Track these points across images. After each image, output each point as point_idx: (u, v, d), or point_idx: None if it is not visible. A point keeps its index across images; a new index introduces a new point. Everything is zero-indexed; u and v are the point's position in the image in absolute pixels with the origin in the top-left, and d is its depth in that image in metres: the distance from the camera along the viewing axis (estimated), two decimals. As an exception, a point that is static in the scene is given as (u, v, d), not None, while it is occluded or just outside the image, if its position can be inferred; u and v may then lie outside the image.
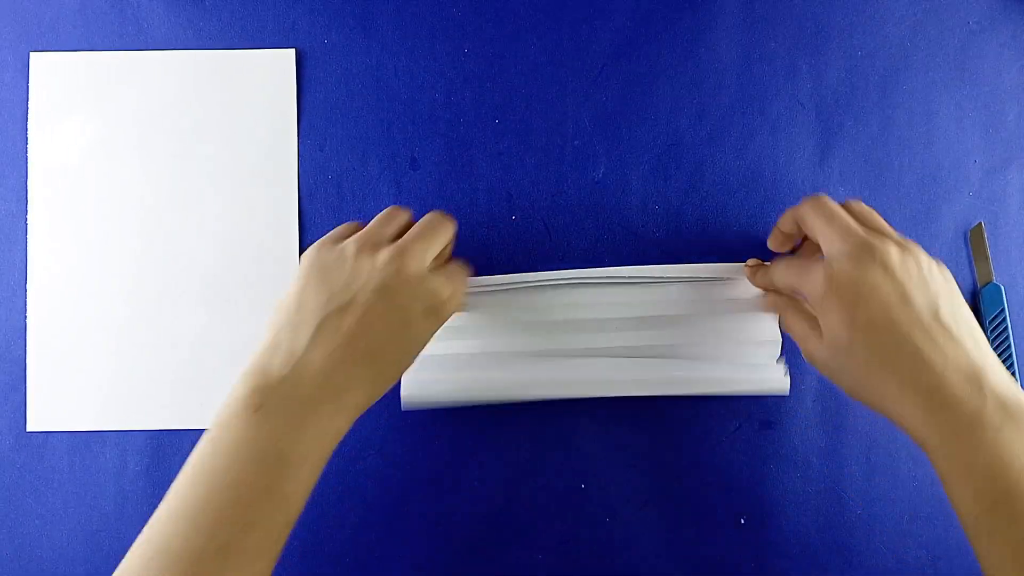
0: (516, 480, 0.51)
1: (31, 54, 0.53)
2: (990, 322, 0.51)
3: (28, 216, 0.52)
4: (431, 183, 0.53)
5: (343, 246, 0.41)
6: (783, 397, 0.51)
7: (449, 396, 0.49)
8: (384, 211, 0.45)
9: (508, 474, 0.51)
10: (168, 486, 0.51)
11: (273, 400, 0.36)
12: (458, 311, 0.43)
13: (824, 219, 0.41)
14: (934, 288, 0.38)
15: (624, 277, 0.49)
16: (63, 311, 0.52)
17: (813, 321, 0.42)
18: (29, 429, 0.51)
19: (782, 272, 0.44)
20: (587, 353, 0.49)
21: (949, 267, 0.52)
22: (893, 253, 0.38)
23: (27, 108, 0.53)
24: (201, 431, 0.51)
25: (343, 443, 0.51)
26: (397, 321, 0.39)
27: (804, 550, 0.50)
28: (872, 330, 0.37)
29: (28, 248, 0.52)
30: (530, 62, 0.53)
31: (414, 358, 0.41)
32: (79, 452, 0.51)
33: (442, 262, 0.45)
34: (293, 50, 0.53)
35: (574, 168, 0.53)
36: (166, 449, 0.51)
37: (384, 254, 0.40)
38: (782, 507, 0.51)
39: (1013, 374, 0.50)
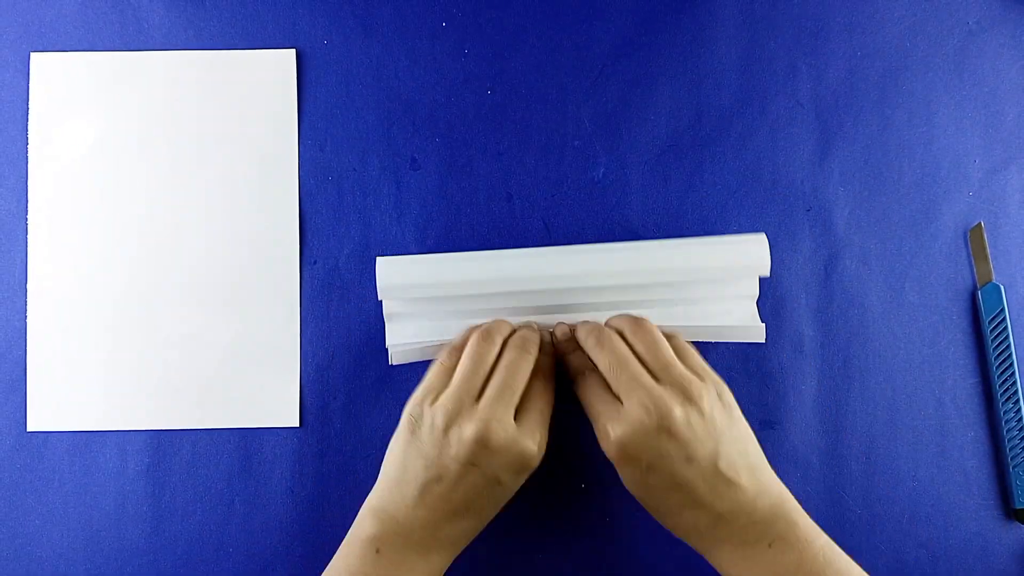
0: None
1: (31, 54, 0.53)
2: (990, 322, 0.51)
3: (28, 216, 0.52)
4: (431, 183, 0.53)
5: (434, 416, 0.43)
6: (783, 395, 0.51)
7: (428, 285, 0.49)
8: (468, 354, 0.45)
9: (508, 474, 0.51)
10: (168, 486, 0.51)
11: (390, 545, 0.42)
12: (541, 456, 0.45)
13: (609, 362, 0.44)
14: (714, 437, 0.42)
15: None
16: (63, 311, 0.52)
17: (609, 402, 0.43)
18: (29, 429, 0.51)
19: (587, 392, 0.45)
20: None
21: (949, 267, 0.52)
22: (677, 414, 0.41)
23: (27, 108, 0.53)
24: (200, 431, 0.52)
25: (343, 442, 0.51)
26: (488, 484, 0.43)
27: (804, 550, 0.50)
28: (660, 491, 0.42)
29: (28, 248, 0.52)
30: (530, 62, 0.53)
31: (508, 499, 0.45)
32: (79, 452, 0.51)
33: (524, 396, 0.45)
34: (293, 50, 0.53)
35: (574, 168, 0.53)
36: (166, 449, 0.51)
37: (468, 430, 0.42)
38: (782, 507, 0.51)
39: (1012, 374, 0.50)
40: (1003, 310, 0.51)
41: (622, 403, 0.42)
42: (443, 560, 0.44)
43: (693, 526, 0.43)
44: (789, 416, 0.51)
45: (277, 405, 0.52)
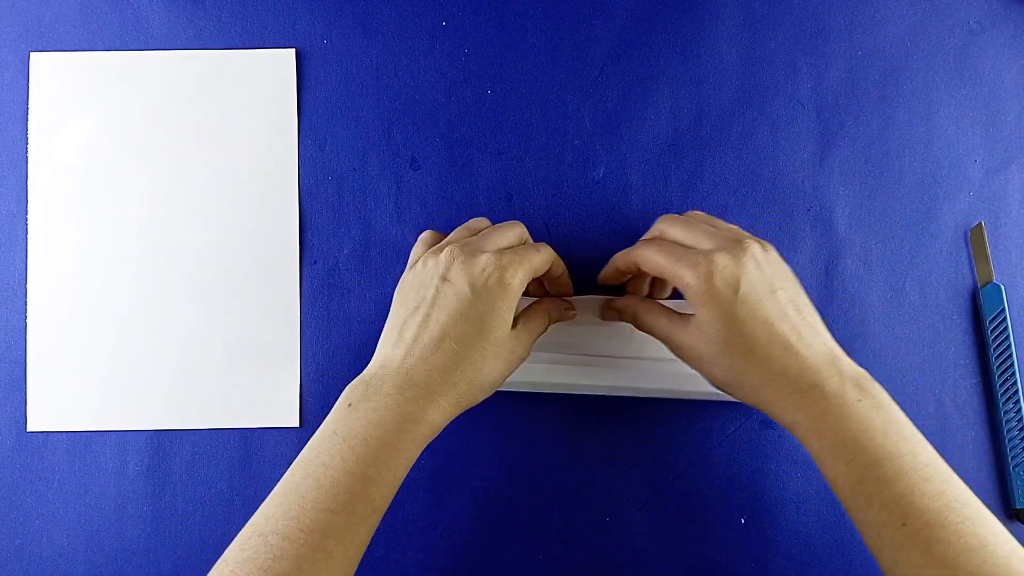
0: (516, 480, 0.51)
1: (31, 54, 0.53)
2: (990, 322, 0.51)
3: (28, 216, 0.52)
4: (431, 183, 0.53)
5: (418, 261, 0.44)
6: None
7: None
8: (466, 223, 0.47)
9: (508, 474, 0.51)
10: (168, 486, 0.51)
11: (360, 395, 0.40)
12: (526, 280, 0.43)
13: (687, 226, 0.44)
14: (791, 282, 0.41)
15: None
16: (63, 311, 0.52)
17: (672, 314, 0.44)
18: (29, 429, 0.51)
19: (653, 255, 0.43)
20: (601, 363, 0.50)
21: (949, 267, 0.52)
22: (758, 248, 0.41)
23: (27, 108, 0.53)
24: (201, 431, 0.52)
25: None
26: (462, 301, 0.41)
27: (804, 550, 0.50)
28: (748, 323, 0.40)
29: (28, 248, 0.52)
30: (530, 62, 0.53)
31: (495, 342, 0.42)
32: (79, 452, 0.51)
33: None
34: (293, 50, 0.53)
35: (574, 168, 0.53)
36: (166, 449, 0.51)
37: (446, 249, 0.42)
38: (782, 507, 0.51)
39: (1013, 374, 0.50)
40: (1004, 310, 0.51)
41: (702, 247, 0.42)
42: (426, 414, 0.40)
43: (781, 373, 0.39)
44: (789, 416, 0.51)
45: (277, 405, 0.52)
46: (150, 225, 0.52)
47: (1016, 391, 0.50)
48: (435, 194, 0.53)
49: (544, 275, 0.46)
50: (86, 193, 0.52)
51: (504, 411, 0.51)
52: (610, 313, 0.48)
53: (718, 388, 0.43)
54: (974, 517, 0.36)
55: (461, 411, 0.42)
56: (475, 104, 0.53)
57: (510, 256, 0.42)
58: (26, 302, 0.52)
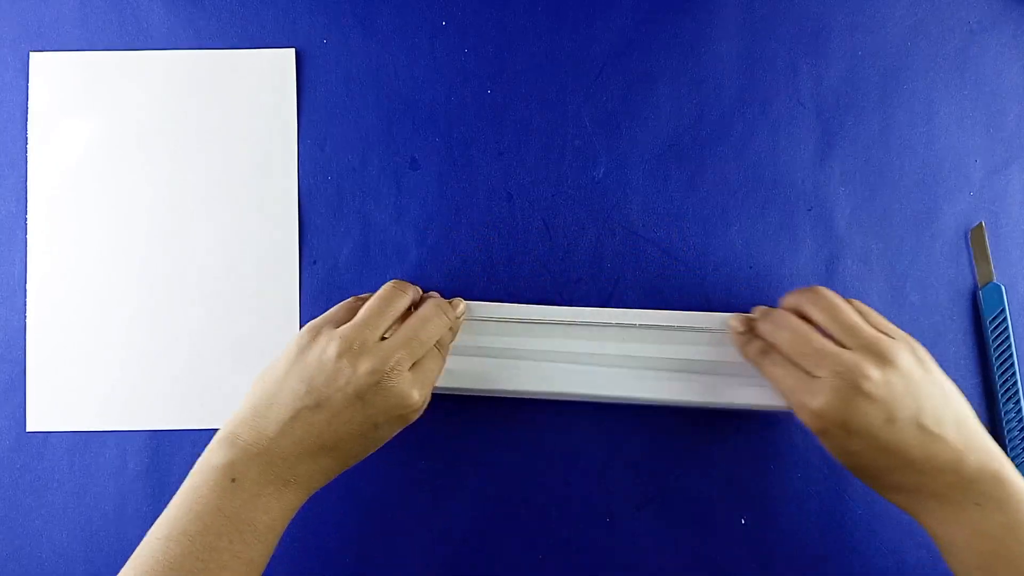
0: (516, 480, 0.51)
1: (31, 54, 0.53)
2: (990, 322, 0.51)
3: (28, 216, 0.52)
4: (431, 183, 0.53)
5: (328, 345, 0.42)
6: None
7: (444, 383, 0.49)
8: (380, 295, 0.45)
9: (508, 474, 0.51)
10: (168, 486, 0.51)
11: (246, 475, 0.40)
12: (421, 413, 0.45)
13: (791, 340, 0.43)
14: (913, 394, 0.40)
15: (632, 324, 0.49)
16: (63, 311, 0.52)
17: (804, 379, 0.42)
18: (29, 429, 0.51)
19: (777, 371, 0.44)
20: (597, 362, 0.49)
21: (949, 267, 0.52)
22: (872, 374, 0.40)
23: (27, 108, 0.53)
24: (201, 431, 0.52)
25: (343, 443, 0.51)
26: (366, 425, 0.42)
27: (805, 550, 0.50)
28: (865, 455, 0.41)
29: (28, 248, 0.52)
30: (530, 62, 0.53)
31: (374, 450, 0.44)
32: (79, 452, 0.51)
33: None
34: (293, 50, 0.53)
35: (574, 168, 0.53)
36: (166, 449, 0.51)
37: (365, 364, 0.41)
38: (783, 507, 0.51)
39: (1013, 374, 0.50)
40: (1004, 310, 0.51)
41: (813, 374, 0.41)
42: (297, 499, 0.42)
43: (900, 485, 0.41)
44: (789, 416, 0.51)
45: (277, 405, 0.51)
46: (150, 225, 0.52)
47: (1016, 391, 0.50)
48: (435, 194, 0.53)
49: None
50: (86, 193, 0.52)
51: (504, 412, 0.51)
52: (739, 339, 0.47)
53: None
54: None
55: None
56: (475, 104, 0.53)
57: (430, 381, 0.44)
58: (26, 302, 0.52)
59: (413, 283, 0.50)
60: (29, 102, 0.53)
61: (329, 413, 0.41)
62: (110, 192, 0.52)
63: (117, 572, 0.50)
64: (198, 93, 0.53)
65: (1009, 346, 0.51)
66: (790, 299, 0.46)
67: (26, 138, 0.53)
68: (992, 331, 0.51)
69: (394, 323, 0.44)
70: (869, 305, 0.52)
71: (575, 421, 0.51)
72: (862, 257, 0.52)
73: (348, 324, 0.43)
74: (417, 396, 0.42)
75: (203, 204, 0.52)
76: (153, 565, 0.38)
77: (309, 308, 0.52)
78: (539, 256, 0.52)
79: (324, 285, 0.52)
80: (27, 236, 0.52)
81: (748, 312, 0.48)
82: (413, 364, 0.43)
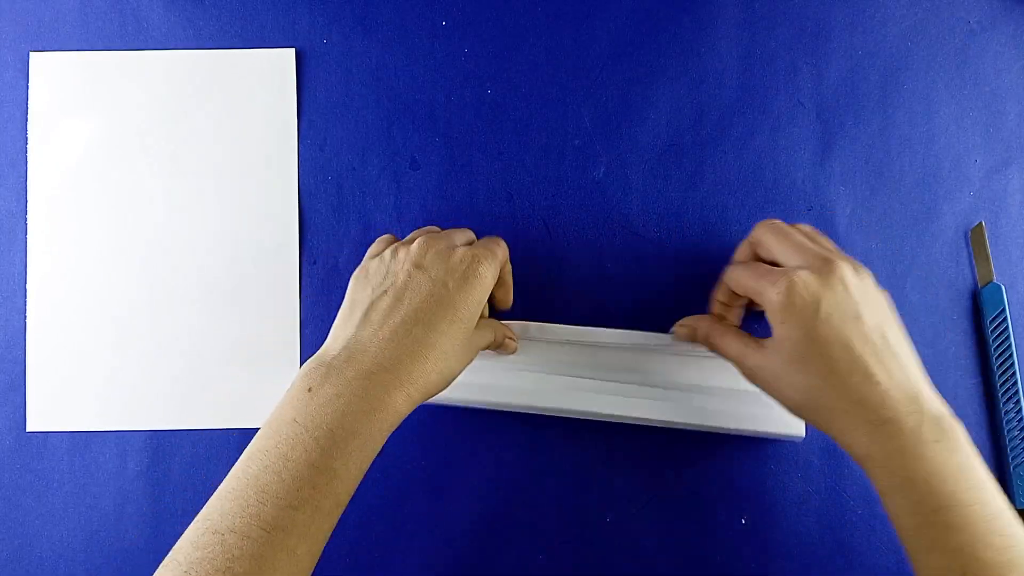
0: (516, 480, 0.51)
1: (31, 54, 0.53)
2: (990, 322, 0.51)
3: (28, 216, 0.52)
4: (431, 183, 0.53)
5: (384, 252, 0.43)
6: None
7: (451, 396, 0.49)
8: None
9: (508, 474, 0.51)
10: (168, 486, 0.51)
11: (322, 380, 0.37)
12: (496, 275, 0.43)
13: (781, 237, 0.43)
14: (881, 310, 0.40)
15: (637, 345, 0.49)
16: (63, 311, 0.52)
17: (748, 338, 0.43)
18: (29, 429, 0.51)
19: (740, 275, 0.44)
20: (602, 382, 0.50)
21: (950, 267, 0.52)
22: (848, 271, 0.40)
23: (27, 108, 0.53)
24: (201, 431, 0.52)
25: (343, 443, 0.51)
26: (437, 287, 0.40)
27: (805, 550, 0.50)
28: (828, 344, 0.39)
29: (28, 248, 0.52)
30: (530, 62, 0.53)
31: (464, 332, 0.41)
32: (79, 452, 0.51)
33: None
34: (293, 50, 0.53)
35: (574, 168, 0.53)
36: (166, 449, 0.51)
37: (417, 241, 0.42)
38: (783, 507, 0.51)
39: (1013, 374, 0.50)
40: (1004, 310, 0.51)
41: (792, 261, 0.41)
42: (392, 400, 0.38)
43: (859, 401, 0.38)
44: (789, 416, 0.51)
45: (277, 405, 0.51)
46: (150, 225, 0.52)
47: (1016, 391, 0.50)
48: (435, 194, 0.53)
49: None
50: (86, 193, 0.52)
51: (503, 413, 0.51)
52: (681, 331, 0.48)
53: (791, 412, 0.42)
54: None
55: (425, 400, 0.40)
56: (475, 104, 0.53)
57: (482, 250, 0.43)
58: (26, 302, 0.52)
59: None
60: (29, 102, 0.53)
61: (395, 291, 0.40)
62: (110, 192, 0.52)
63: (117, 572, 0.51)
64: (198, 93, 0.53)
65: (1009, 346, 0.51)
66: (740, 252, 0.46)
67: (26, 138, 0.53)
68: (992, 331, 0.51)
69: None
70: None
71: (575, 420, 0.51)
72: (862, 257, 0.52)
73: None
74: (475, 250, 0.42)
75: (203, 204, 0.52)
76: (231, 483, 0.36)
77: (309, 308, 0.52)
78: (539, 256, 0.52)
79: (324, 285, 0.52)
80: (27, 236, 0.52)
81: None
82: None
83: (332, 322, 0.52)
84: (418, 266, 0.41)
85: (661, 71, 0.53)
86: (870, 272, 0.41)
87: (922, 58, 0.53)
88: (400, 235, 0.52)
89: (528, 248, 0.52)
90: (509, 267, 0.48)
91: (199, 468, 0.51)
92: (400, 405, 0.38)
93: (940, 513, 0.36)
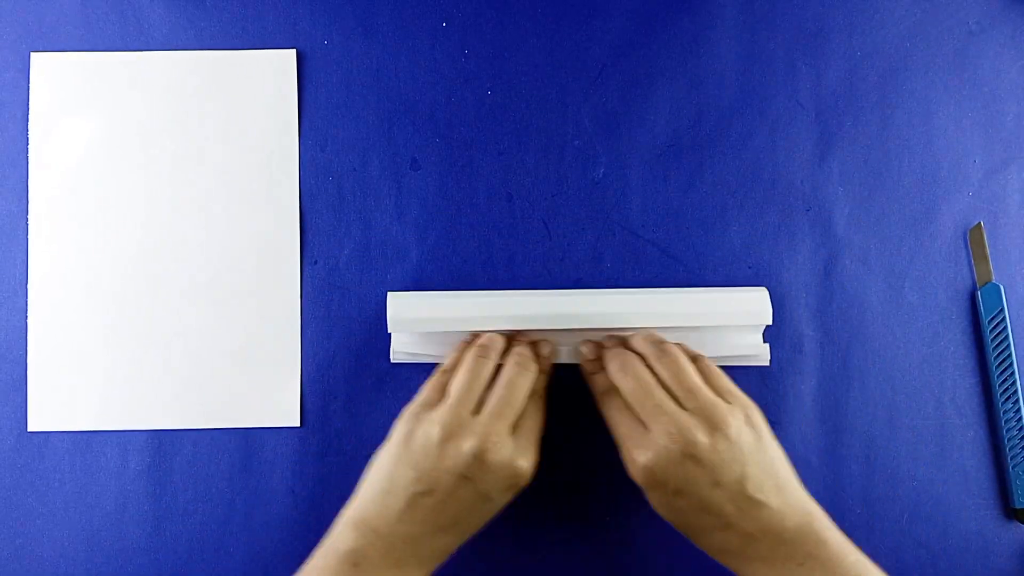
0: (516, 480, 0.51)
1: (31, 54, 0.53)
2: (989, 322, 0.51)
3: (28, 216, 0.52)
4: (431, 183, 0.53)
5: (429, 428, 0.43)
6: (783, 395, 0.51)
7: (433, 316, 0.49)
8: (466, 369, 0.45)
9: (508, 474, 0.51)
10: (168, 486, 0.51)
11: (369, 559, 0.42)
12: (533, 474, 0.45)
13: (633, 388, 0.44)
14: (741, 461, 0.42)
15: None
16: (63, 311, 0.52)
17: (635, 426, 0.44)
18: (29, 429, 0.51)
19: (613, 414, 0.46)
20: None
21: (949, 267, 0.52)
22: (701, 440, 0.41)
23: (27, 108, 0.53)
24: (201, 431, 0.52)
25: (344, 442, 0.51)
26: (478, 500, 0.43)
27: (804, 550, 0.50)
28: (689, 513, 0.43)
29: (28, 248, 0.52)
30: (530, 62, 0.53)
31: (492, 517, 0.45)
32: (79, 452, 0.51)
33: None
34: (293, 50, 0.53)
35: (574, 168, 0.53)
36: (166, 449, 0.51)
37: (467, 444, 0.42)
38: (782, 507, 0.51)
39: (1012, 374, 0.51)
40: (1003, 310, 0.51)
41: (647, 428, 0.42)
42: (420, 574, 0.43)
43: (723, 546, 0.43)
44: (789, 416, 0.51)
45: (278, 405, 0.52)
46: (150, 225, 0.52)
47: (1015, 391, 0.50)
48: (435, 194, 0.53)
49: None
50: (86, 193, 0.52)
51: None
52: (588, 365, 0.49)
53: None
54: None
55: None
56: (475, 104, 0.53)
57: (529, 446, 0.44)
58: (26, 302, 0.52)
59: (415, 284, 0.50)
60: (29, 102, 0.53)
61: (441, 496, 0.42)
62: (111, 193, 0.52)
63: (117, 572, 0.51)
64: (199, 94, 0.53)
65: (1008, 346, 0.51)
66: (638, 344, 0.47)
67: (26, 138, 0.53)
68: (991, 331, 0.51)
69: (485, 390, 0.45)
70: (868, 305, 0.52)
71: (575, 421, 0.51)
72: (861, 257, 0.52)
73: (443, 406, 0.44)
74: (523, 463, 0.43)
75: (204, 204, 0.52)
76: None
77: (310, 308, 0.52)
78: (539, 256, 0.52)
79: (325, 285, 0.52)
80: (28, 236, 0.52)
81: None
82: (514, 430, 0.44)
83: (332, 322, 0.52)
84: (465, 478, 0.42)
85: (661, 71, 0.53)
86: (726, 409, 0.43)
87: (921, 59, 0.53)
88: (399, 236, 0.52)
89: (528, 248, 0.52)
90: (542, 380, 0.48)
91: (199, 468, 0.51)
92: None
93: None
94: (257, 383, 0.52)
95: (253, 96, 0.53)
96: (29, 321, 0.52)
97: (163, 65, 0.53)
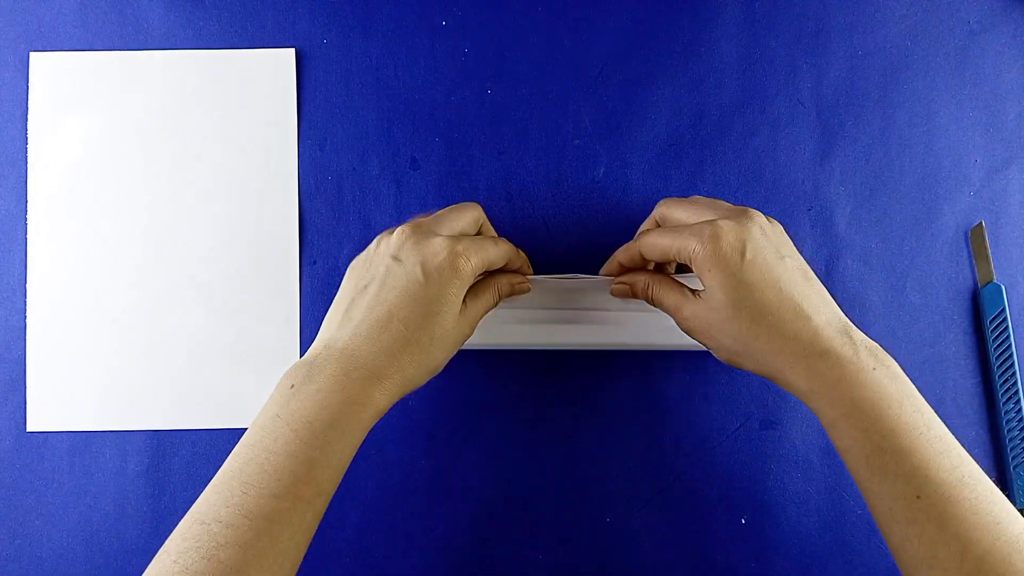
0: (516, 480, 0.51)
1: (31, 54, 0.53)
2: (990, 322, 0.51)
3: (28, 216, 0.52)
4: (431, 183, 0.53)
5: (371, 243, 0.43)
6: (783, 395, 0.51)
7: None
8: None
9: (508, 474, 0.51)
10: (168, 486, 0.51)
11: (303, 377, 0.39)
12: (479, 269, 0.42)
13: (688, 204, 0.44)
14: (796, 253, 0.42)
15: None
16: (63, 311, 0.52)
17: (683, 288, 0.43)
18: (29, 429, 0.51)
19: (656, 239, 0.43)
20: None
21: (950, 267, 0.52)
22: (762, 218, 0.41)
23: (27, 108, 0.53)
24: (201, 431, 0.52)
25: (343, 443, 0.51)
26: (411, 282, 0.40)
27: (805, 550, 0.50)
28: (757, 286, 0.39)
29: (28, 248, 0.52)
30: (530, 62, 0.53)
31: (443, 325, 0.41)
32: (79, 452, 0.51)
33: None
34: (293, 50, 0.53)
35: (574, 168, 0.53)
36: (166, 449, 0.51)
37: (399, 229, 0.42)
38: (783, 507, 0.51)
39: (1013, 374, 0.50)
40: (1004, 310, 0.51)
41: (706, 220, 0.41)
42: (372, 395, 0.39)
43: (793, 337, 0.39)
44: (789, 416, 0.51)
45: (277, 405, 0.51)
46: (150, 225, 0.52)
47: (1016, 391, 0.50)
48: (435, 194, 0.53)
49: (503, 268, 0.45)
50: (86, 193, 0.52)
51: (504, 413, 0.51)
52: (620, 287, 0.47)
53: (727, 361, 0.42)
54: (987, 494, 0.36)
55: (407, 393, 0.41)
56: (475, 104, 0.53)
57: (466, 243, 0.41)
58: (26, 302, 0.52)
59: None
60: (29, 102, 0.53)
61: (375, 286, 0.40)
62: (110, 192, 0.52)
63: (117, 572, 0.51)
64: (198, 93, 0.53)
65: (1009, 346, 0.51)
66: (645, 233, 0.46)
67: (26, 138, 0.53)
68: (992, 331, 0.51)
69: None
70: (869, 305, 0.52)
71: (575, 421, 0.51)
72: (862, 257, 0.52)
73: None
74: (454, 242, 0.41)
75: (203, 204, 0.52)
76: (218, 477, 0.37)
77: (309, 308, 0.52)
78: (539, 256, 0.52)
79: (324, 285, 0.52)
80: (27, 236, 0.52)
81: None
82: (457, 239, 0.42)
83: (332, 322, 0.52)
84: (395, 258, 0.41)
85: (661, 71, 0.53)
86: (780, 224, 0.43)
87: (922, 58, 0.53)
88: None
89: (528, 248, 0.52)
90: (518, 259, 0.47)
91: (199, 468, 0.51)
92: (379, 399, 0.39)
93: (889, 438, 0.36)
94: (256, 383, 0.52)
95: (252, 95, 0.53)
96: (28, 321, 0.52)
97: (162, 64, 0.53)
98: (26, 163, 0.52)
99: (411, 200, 0.53)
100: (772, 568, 0.50)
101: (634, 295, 0.47)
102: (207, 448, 0.51)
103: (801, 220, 0.53)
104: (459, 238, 0.42)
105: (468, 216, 0.45)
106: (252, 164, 0.53)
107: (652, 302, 0.46)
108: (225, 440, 0.51)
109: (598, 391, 0.51)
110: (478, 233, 0.46)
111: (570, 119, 0.53)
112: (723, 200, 0.44)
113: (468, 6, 0.53)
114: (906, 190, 0.53)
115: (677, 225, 0.43)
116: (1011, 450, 0.50)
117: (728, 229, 0.40)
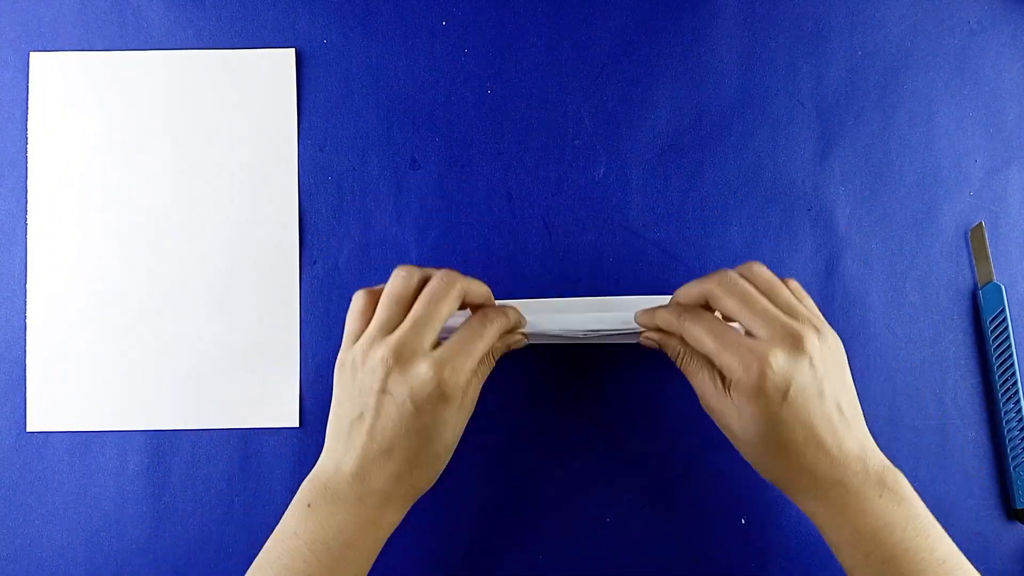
0: (516, 480, 0.51)
1: (31, 54, 0.53)
2: (990, 322, 0.51)
3: (28, 216, 0.52)
4: (431, 183, 0.53)
5: (354, 350, 0.42)
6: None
7: None
8: (389, 285, 0.43)
9: (508, 474, 0.51)
10: (168, 486, 0.51)
11: (320, 498, 0.41)
12: (468, 385, 0.42)
13: (744, 303, 0.41)
14: (839, 375, 0.41)
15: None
16: (63, 311, 0.52)
17: (715, 375, 0.42)
18: (29, 429, 0.51)
19: (701, 335, 0.42)
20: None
21: (949, 267, 0.52)
22: (815, 343, 0.39)
23: (27, 108, 0.53)
24: (201, 431, 0.52)
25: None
26: (404, 415, 0.41)
27: (805, 550, 0.50)
28: (788, 424, 0.40)
29: (28, 248, 0.52)
30: (530, 62, 0.53)
31: (445, 442, 0.42)
32: (79, 452, 0.51)
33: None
34: (293, 50, 0.53)
35: (574, 168, 0.53)
36: (166, 449, 0.51)
37: (379, 354, 0.41)
38: (783, 507, 0.51)
39: (1013, 374, 0.50)
40: (1004, 310, 0.51)
41: (757, 336, 0.40)
42: (382, 513, 0.42)
43: (811, 468, 0.40)
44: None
45: (277, 405, 0.52)
46: (150, 225, 0.52)
47: (1016, 391, 0.50)
48: (435, 194, 0.53)
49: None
50: (86, 193, 0.52)
51: (504, 413, 0.51)
52: (649, 342, 0.46)
53: (743, 455, 0.43)
54: None
55: (418, 499, 0.44)
56: (475, 104, 0.53)
57: (451, 358, 0.41)
58: (26, 302, 0.52)
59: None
60: (29, 102, 0.53)
61: (370, 416, 0.41)
62: (110, 192, 0.52)
63: (117, 572, 0.51)
64: (198, 93, 0.53)
65: (1009, 346, 0.51)
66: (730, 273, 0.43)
67: (26, 138, 0.53)
68: (992, 331, 0.51)
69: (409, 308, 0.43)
70: (869, 305, 0.52)
71: (575, 422, 0.51)
72: (862, 257, 0.52)
73: (366, 331, 0.42)
74: (437, 370, 0.40)
75: (203, 204, 0.52)
76: None
77: (309, 308, 0.52)
78: (539, 256, 0.52)
79: (324, 285, 0.52)
80: (27, 236, 0.52)
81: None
82: (437, 343, 0.42)
83: (332, 322, 0.52)
84: (384, 391, 0.40)
85: (661, 71, 0.53)
86: (833, 332, 0.41)
87: (922, 58, 0.53)
88: (399, 236, 0.52)
89: (528, 248, 0.52)
90: (508, 322, 0.45)
91: (199, 468, 0.51)
92: (392, 516, 0.43)
93: (890, 563, 0.39)
94: (256, 384, 0.52)
95: (252, 95, 0.53)
96: (28, 321, 0.52)
97: (162, 64, 0.53)
98: (26, 163, 0.52)
99: (411, 200, 0.53)
100: (772, 568, 0.50)
101: (663, 347, 0.46)
102: (207, 448, 0.51)
103: (801, 220, 0.53)
104: (444, 354, 0.41)
105: (450, 299, 0.42)
106: (252, 164, 0.53)
107: (680, 367, 0.45)
108: (224, 441, 0.51)
109: (599, 391, 0.51)
110: (464, 305, 0.44)
111: (570, 119, 0.53)
112: (781, 283, 0.42)
113: (468, 6, 0.53)
114: (906, 190, 0.53)
115: (725, 326, 0.41)
116: (1011, 450, 0.50)
117: (777, 368, 0.38)
